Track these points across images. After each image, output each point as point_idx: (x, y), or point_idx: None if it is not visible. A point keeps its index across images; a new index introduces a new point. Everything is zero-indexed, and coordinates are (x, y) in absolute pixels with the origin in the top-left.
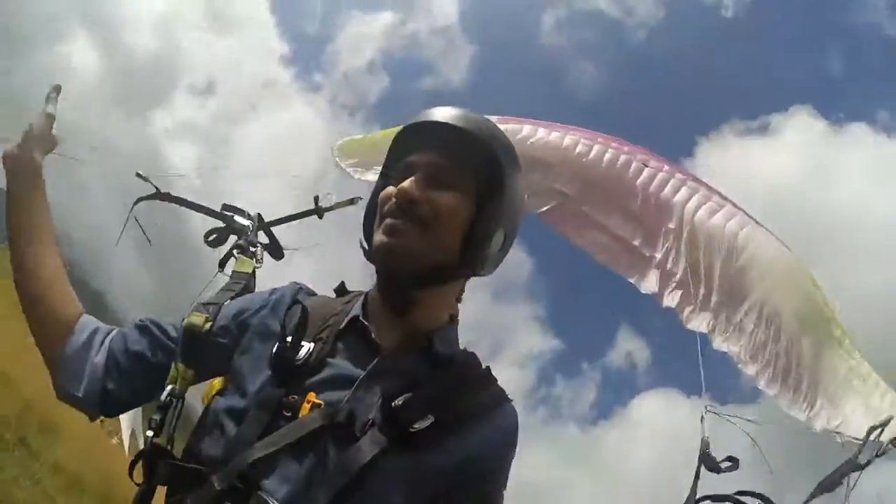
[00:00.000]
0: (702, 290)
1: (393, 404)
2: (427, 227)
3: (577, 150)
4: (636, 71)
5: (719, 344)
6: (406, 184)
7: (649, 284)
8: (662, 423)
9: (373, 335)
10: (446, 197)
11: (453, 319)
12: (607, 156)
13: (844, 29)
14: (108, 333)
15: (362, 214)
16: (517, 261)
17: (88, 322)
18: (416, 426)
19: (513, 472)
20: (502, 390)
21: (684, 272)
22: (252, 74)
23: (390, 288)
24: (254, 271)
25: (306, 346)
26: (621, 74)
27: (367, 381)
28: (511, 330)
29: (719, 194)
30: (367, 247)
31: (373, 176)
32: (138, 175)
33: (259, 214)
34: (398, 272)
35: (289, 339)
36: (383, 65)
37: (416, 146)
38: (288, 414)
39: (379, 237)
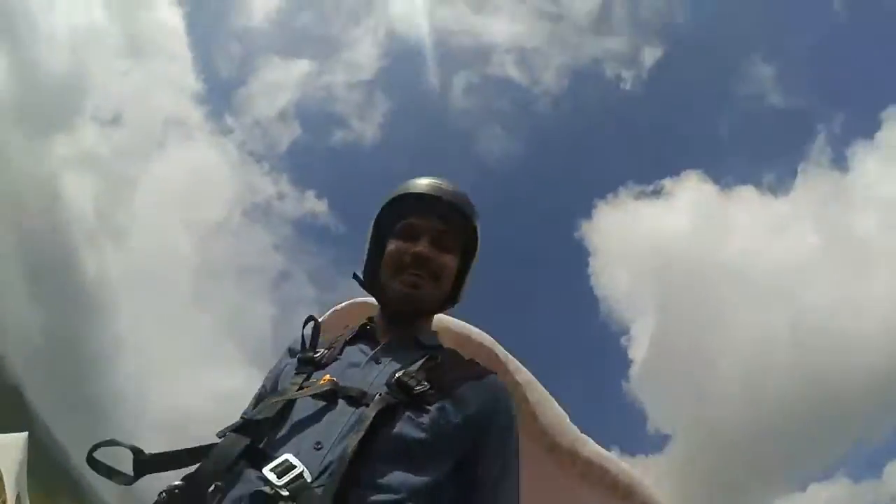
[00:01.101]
0: None
1: (395, 377)
2: (436, 280)
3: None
4: (541, 137)
5: None
6: (422, 246)
7: None
8: None
9: (377, 336)
10: (448, 258)
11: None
12: None
13: (730, 99)
14: None
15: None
16: None
17: None
18: (416, 389)
19: None
20: (485, 368)
21: None
22: (162, 109)
23: (403, 321)
24: None
25: (321, 351)
26: (527, 139)
27: (371, 361)
28: None
29: None
30: (363, 279)
31: None
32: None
33: None
34: (416, 312)
35: (307, 346)
36: (296, 114)
37: (415, 210)
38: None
39: (400, 287)
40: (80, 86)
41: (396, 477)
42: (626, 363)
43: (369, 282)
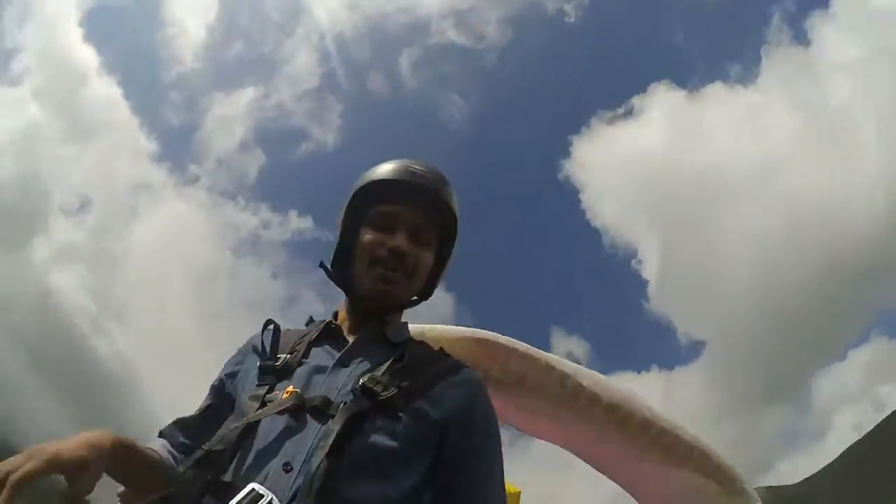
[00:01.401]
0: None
1: (360, 382)
2: (410, 276)
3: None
4: (499, 91)
5: None
6: (400, 241)
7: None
8: None
9: (344, 334)
10: (425, 254)
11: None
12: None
13: (678, 3)
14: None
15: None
16: (441, 299)
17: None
18: (382, 395)
19: None
20: (457, 361)
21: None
22: (125, 179)
23: (372, 315)
24: None
25: (283, 356)
26: (485, 97)
27: (338, 365)
28: None
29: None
30: (329, 268)
31: None
32: None
33: None
34: (386, 309)
35: (268, 352)
36: (255, 142)
37: (390, 196)
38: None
39: (373, 283)
40: (39, 185)
41: (370, 489)
42: (642, 284)
43: (337, 272)
